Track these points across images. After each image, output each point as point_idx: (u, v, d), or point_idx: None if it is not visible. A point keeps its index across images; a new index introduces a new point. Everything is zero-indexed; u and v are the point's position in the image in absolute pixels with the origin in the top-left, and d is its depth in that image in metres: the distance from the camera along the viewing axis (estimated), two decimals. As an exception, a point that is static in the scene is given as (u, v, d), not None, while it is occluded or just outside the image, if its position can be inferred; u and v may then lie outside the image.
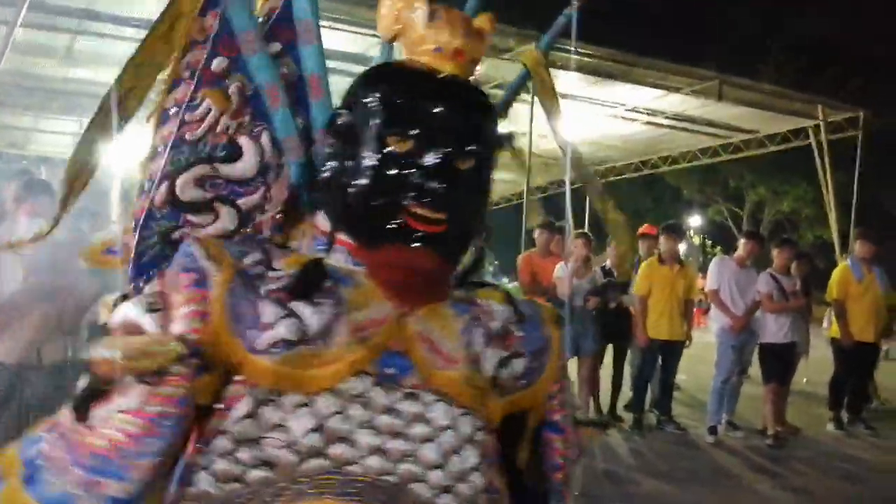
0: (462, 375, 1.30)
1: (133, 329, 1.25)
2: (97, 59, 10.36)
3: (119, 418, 1.16)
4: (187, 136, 1.51)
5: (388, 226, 1.29)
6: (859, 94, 17.08)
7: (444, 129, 1.30)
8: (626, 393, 7.87)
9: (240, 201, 1.53)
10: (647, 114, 14.77)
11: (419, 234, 1.28)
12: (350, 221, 1.35)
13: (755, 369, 7.95)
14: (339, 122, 1.38)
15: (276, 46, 1.59)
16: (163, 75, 1.54)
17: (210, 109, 1.52)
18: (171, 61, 1.53)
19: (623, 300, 7.68)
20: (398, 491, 1.17)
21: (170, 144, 1.50)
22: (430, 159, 1.29)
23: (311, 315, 1.23)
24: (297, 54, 1.62)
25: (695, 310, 14.99)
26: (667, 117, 15.07)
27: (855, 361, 8.06)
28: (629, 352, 8.05)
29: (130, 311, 1.27)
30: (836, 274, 8.24)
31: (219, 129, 1.52)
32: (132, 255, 1.51)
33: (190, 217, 1.51)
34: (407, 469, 1.19)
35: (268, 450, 1.17)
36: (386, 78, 1.38)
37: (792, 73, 22.87)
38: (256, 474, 1.17)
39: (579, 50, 10.48)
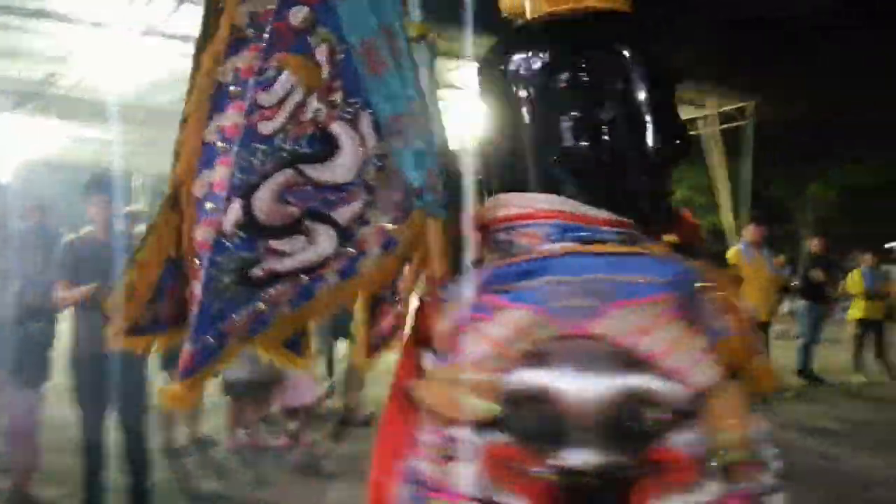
0: None
1: (635, 401, 0.89)
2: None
3: None
4: (260, 129, 1.07)
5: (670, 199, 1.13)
6: (749, 84, 17.75)
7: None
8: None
9: (336, 213, 1.13)
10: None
11: None
12: (640, 198, 1.08)
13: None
14: (577, 82, 1.08)
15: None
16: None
17: (292, 87, 1.08)
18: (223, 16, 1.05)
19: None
20: None
21: (237, 142, 1.07)
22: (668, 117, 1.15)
23: None
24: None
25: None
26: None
27: (749, 340, 8.38)
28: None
29: (620, 381, 0.89)
30: (729, 256, 8.53)
31: (305, 116, 1.09)
32: (197, 302, 1.10)
33: (273, 243, 1.11)
34: None
35: None
36: (635, 27, 1.15)
37: (684, 64, 23.56)
38: None
39: (477, 41, 10.50)
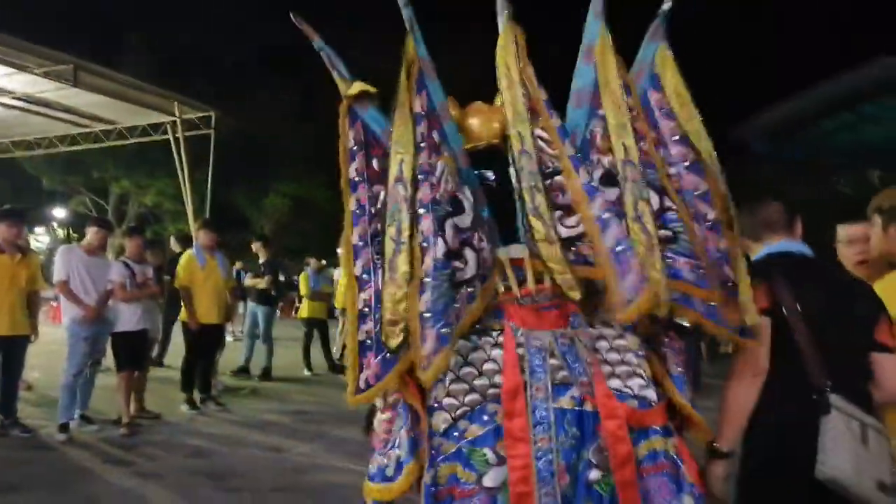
0: None
1: None
2: None
3: None
4: (436, 197, 2.03)
5: None
6: (211, 95, 18.24)
7: None
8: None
9: (473, 244, 2.07)
10: (-6, 92, 13.46)
11: None
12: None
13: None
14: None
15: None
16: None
17: (444, 171, 2.06)
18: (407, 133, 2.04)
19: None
20: None
21: (429, 205, 2.01)
22: None
23: None
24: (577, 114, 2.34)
25: (54, 304, 14.22)
26: (17, 98, 13.94)
27: (203, 343, 8.59)
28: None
29: None
30: (182, 261, 8.62)
31: (447, 188, 2.06)
32: (427, 308, 1.96)
33: (456, 263, 2.02)
34: None
35: None
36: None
37: (150, 68, 23.19)
38: None
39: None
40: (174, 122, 15.37)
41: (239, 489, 5.58)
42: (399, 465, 2.12)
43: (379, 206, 2.07)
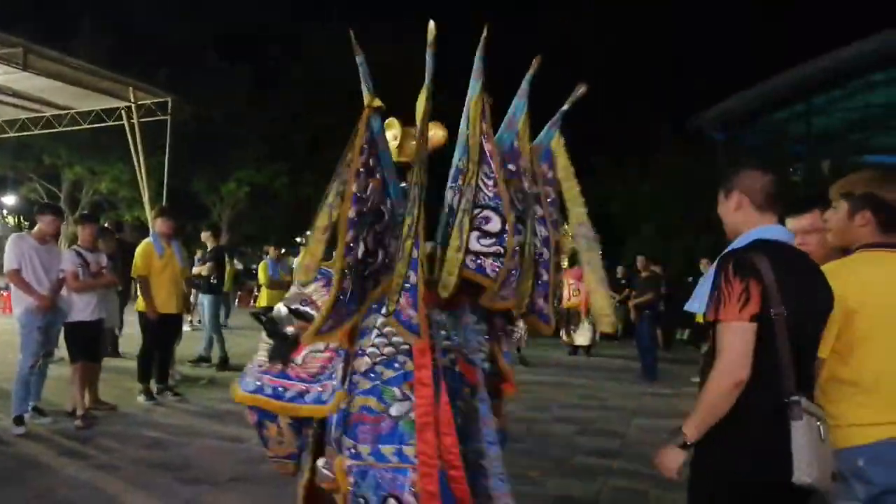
0: None
1: None
2: None
3: None
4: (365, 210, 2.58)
5: None
6: (168, 80, 17.95)
7: None
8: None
9: (386, 245, 2.67)
10: (-59, 75, 13.06)
11: None
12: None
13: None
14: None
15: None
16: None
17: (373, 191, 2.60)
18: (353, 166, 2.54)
19: None
20: None
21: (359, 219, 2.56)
22: None
23: None
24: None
25: (5, 293, 13.92)
26: (-35, 82, 13.57)
27: (160, 333, 8.48)
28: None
29: None
30: (140, 250, 8.47)
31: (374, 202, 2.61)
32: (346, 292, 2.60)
33: (369, 259, 2.64)
34: None
35: None
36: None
37: (104, 54, 22.72)
38: None
39: None
40: (129, 107, 15.11)
41: (197, 480, 5.53)
42: (333, 392, 2.87)
43: (367, 193, 2.58)
